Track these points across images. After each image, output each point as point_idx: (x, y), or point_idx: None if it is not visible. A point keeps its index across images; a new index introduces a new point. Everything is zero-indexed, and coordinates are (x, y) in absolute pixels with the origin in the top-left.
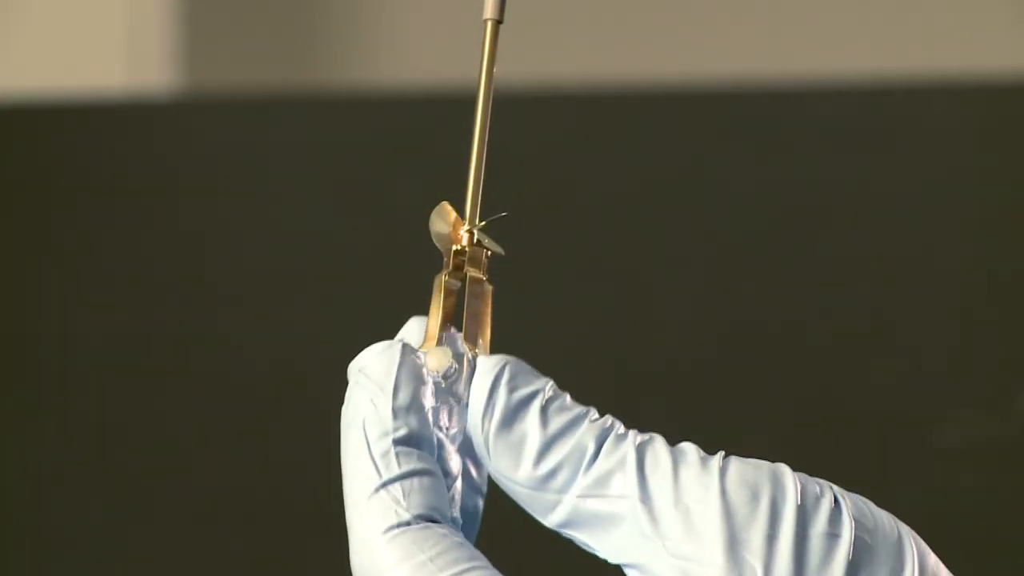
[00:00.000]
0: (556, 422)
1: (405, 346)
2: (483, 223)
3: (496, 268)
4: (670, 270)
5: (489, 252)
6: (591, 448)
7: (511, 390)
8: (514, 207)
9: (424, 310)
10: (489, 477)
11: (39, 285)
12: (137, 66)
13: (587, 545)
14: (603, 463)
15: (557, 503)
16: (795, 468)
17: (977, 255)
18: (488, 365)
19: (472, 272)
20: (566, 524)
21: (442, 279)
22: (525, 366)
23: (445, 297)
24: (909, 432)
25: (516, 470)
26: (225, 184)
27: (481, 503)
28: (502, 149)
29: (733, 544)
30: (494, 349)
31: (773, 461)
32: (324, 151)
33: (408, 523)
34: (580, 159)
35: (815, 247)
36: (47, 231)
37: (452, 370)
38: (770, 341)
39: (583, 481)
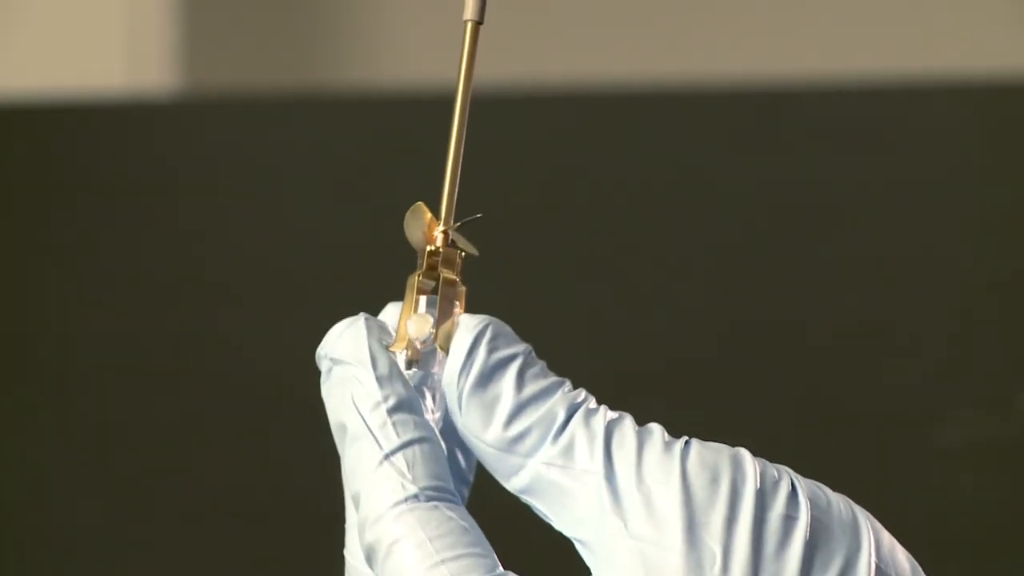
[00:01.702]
0: (531, 387)
1: (368, 318)
2: (458, 224)
3: (495, 268)
4: (670, 270)
5: (463, 253)
6: (561, 417)
7: (491, 350)
8: (514, 207)
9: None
10: (478, 467)
11: (39, 285)
12: (137, 66)
13: (544, 514)
14: (571, 434)
15: (521, 467)
16: (795, 468)
17: (977, 255)
18: (471, 323)
19: (445, 273)
20: (527, 490)
21: (415, 279)
22: (507, 328)
23: (417, 297)
24: (909, 432)
25: (485, 429)
26: (225, 184)
27: (467, 492)
28: (502, 149)
29: (693, 527)
30: None
31: (773, 461)
32: (324, 151)
33: (416, 496)
34: (580, 159)
35: (815, 247)
36: (47, 231)
37: (431, 336)
38: (770, 341)
39: (550, 450)
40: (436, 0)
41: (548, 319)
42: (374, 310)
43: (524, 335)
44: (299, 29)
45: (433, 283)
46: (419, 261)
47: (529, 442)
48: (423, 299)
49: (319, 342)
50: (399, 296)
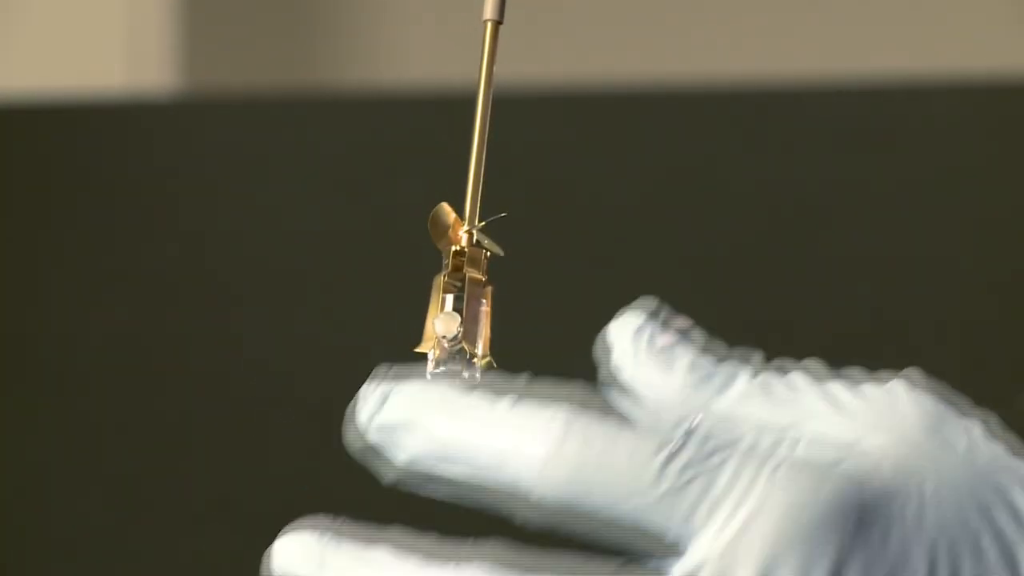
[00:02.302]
0: (713, 347)
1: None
2: (482, 223)
3: (496, 269)
4: (669, 270)
5: (488, 253)
6: (750, 369)
7: (668, 320)
8: (513, 208)
9: (424, 310)
10: None
11: (39, 285)
12: (137, 66)
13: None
14: (766, 378)
15: (704, 408)
16: None
17: (977, 255)
18: (645, 302)
19: (471, 273)
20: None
21: (441, 280)
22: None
23: (443, 296)
24: None
25: (666, 375)
26: (225, 184)
27: None
28: (503, 149)
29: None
30: (494, 350)
31: None
32: (324, 151)
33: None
34: (579, 159)
35: (815, 247)
36: (47, 231)
37: (459, 334)
38: (770, 341)
39: (745, 386)
40: (437, 1)
41: (547, 319)
42: (373, 309)
43: (522, 336)
44: (299, 29)
45: (459, 283)
46: (444, 262)
47: (717, 382)
48: (449, 298)
49: (319, 341)
50: (400, 297)
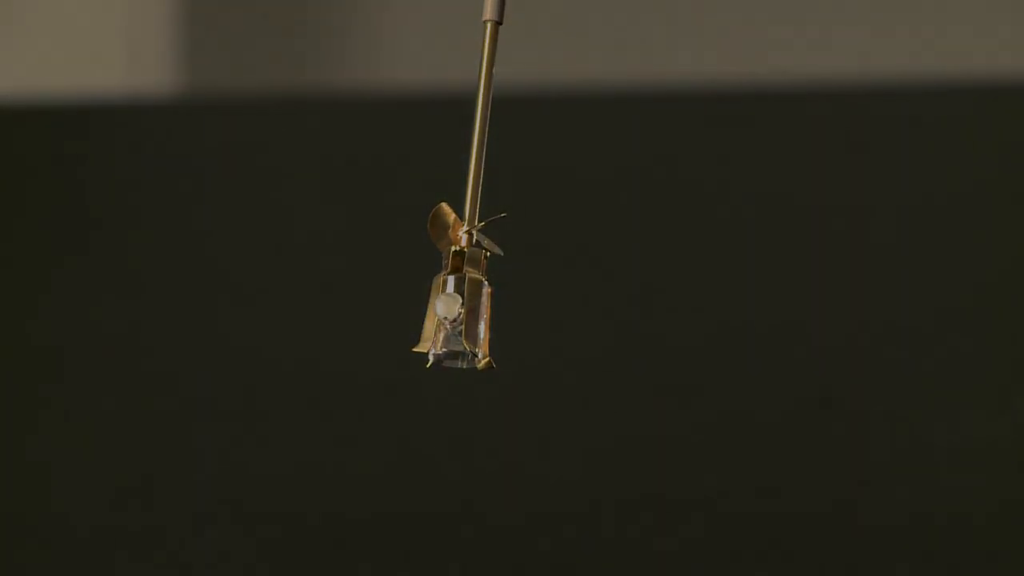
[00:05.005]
0: None
1: None
2: (482, 224)
3: (494, 269)
4: (669, 270)
5: (488, 253)
6: None
7: None
8: (513, 208)
9: (423, 311)
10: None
11: (40, 285)
12: (137, 66)
13: None
14: None
15: None
16: (795, 467)
17: (977, 255)
18: None
19: (471, 273)
20: None
21: (440, 280)
22: None
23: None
24: (909, 432)
25: None
26: (224, 184)
27: None
28: (502, 149)
29: None
30: (493, 349)
31: (774, 460)
32: (323, 151)
33: None
34: (579, 159)
35: (815, 247)
36: (47, 231)
37: (460, 317)
38: (770, 341)
39: None
40: (437, 0)
41: (546, 319)
42: (372, 309)
43: (521, 337)
44: (299, 29)
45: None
46: (444, 261)
47: None
48: (451, 279)
49: (319, 342)
50: (399, 297)
